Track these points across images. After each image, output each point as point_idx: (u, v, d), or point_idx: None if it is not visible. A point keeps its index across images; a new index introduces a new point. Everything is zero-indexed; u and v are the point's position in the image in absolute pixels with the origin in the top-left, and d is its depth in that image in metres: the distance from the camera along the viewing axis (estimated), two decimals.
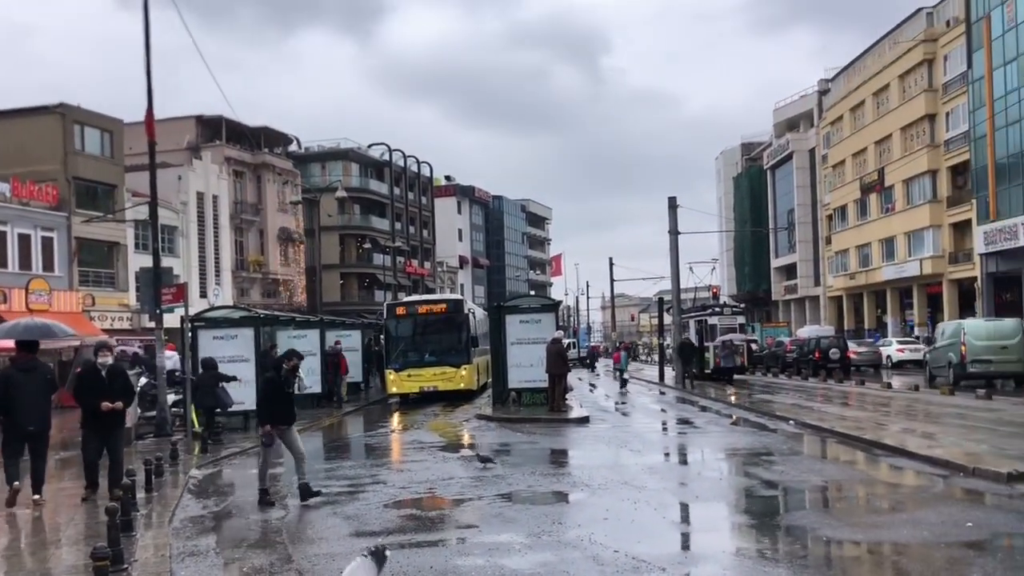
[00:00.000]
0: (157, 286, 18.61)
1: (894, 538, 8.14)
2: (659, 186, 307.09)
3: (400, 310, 28.51)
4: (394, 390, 27.33)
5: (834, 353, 35.59)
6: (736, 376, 34.36)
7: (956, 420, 17.02)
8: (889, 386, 26.81)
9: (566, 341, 28.10)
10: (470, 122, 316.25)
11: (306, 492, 10.75)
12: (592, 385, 37.45)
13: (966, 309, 47.10)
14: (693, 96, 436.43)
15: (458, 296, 33.16)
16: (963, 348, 24.64)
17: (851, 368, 35.61)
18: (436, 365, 27.09)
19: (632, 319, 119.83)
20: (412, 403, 27.06)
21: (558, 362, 21.17)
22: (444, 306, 28.74)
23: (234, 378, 18.25)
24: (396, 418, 22.73)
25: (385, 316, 28.78)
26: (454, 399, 26.73)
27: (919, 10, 52.13)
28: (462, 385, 27.02)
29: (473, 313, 29.14)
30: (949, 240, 48.28)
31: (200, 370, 17.85)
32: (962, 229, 47.13)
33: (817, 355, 35.88)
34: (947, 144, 47.92)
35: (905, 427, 16.12)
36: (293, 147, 63.67)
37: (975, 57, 43.17)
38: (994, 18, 41.31)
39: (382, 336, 29.62)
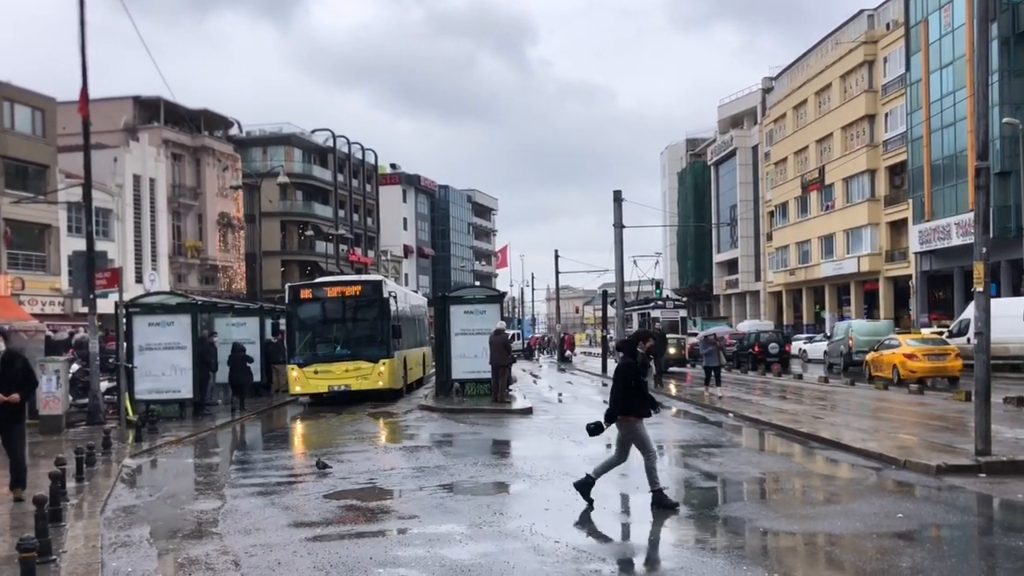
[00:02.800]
0: (91, 270, 18.11)
1: (828, 529, 8.30)
2: (596, 179, 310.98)
3: (306, 293, 23.75)
4: (297, 389, 22.87)
5: (773, 348, 36.31)
6: (676, 368, 34.56)
7: (889, 414, 17.45)
8: (826, 380, 27.38)
9: (510, 332, 27.91)
10: (400, 110, 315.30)
11: (662, 501, 9.29)
12: (535, 376, 37.58)
13: (901, 306, 48.42)
14: (623, 91, 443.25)
15: (377, 276, 28.10)
16: (851, 341, 31.68)
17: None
18: (349, 359, 22.77)
19: (576, 311, 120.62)
20: (346, 395, 23.33)
21: (502, 353, 21.17)
22: (359, 288, 23.96)
23: (251, 359, 22.19)
24: (335, 409, 22.36)
25: (287, 300, 23.72)
26: (374, 399, 23.01)
27: (861, 11, 53.25)
28: (380, 384, 22.77)
29: (395, 297, 24.45)
30: (886, 238, 49.50)
31: (231, 353, 21.58)
32: (899, 228, 48.37)
33: (757, 349, 36.54)
34: (885, 144, 49.08)
35: (840, 421, 16.45)
36: (234, 131, 62.49)
37: (913, 60, 44.29)
38: (932, 23, 42.40)
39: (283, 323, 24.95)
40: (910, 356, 25.10)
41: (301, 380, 22.73)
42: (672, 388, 26.24)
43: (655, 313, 36.10)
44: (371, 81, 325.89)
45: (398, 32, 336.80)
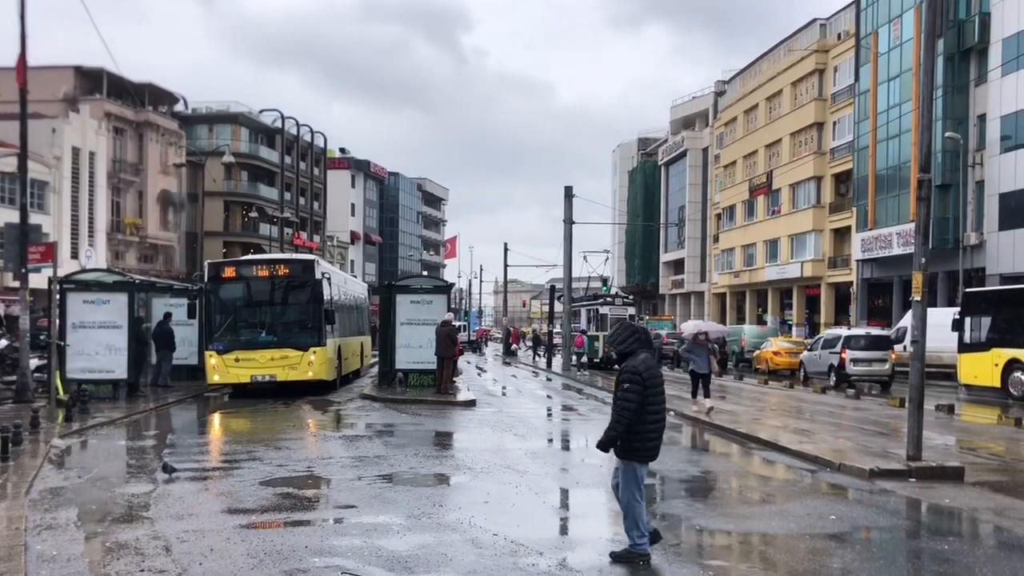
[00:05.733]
0: (23, 244, 17.56)
1: (763, 529, 8.40)
2: (537, 172, 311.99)
3: (227, 271, 21.50)
4: (216, 378, 20.84)
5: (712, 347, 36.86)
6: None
7: (826, 418, 17.80)
8: (766, 382, 27.85)
9: (457, 324, 27.74)
10: (333, 93, 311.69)
11: None
12: (480, 369, 37.53)
13: (841, 312, 49.45)
14: (560, 85, 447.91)
15: (309, 256, 25.99)
16: (743, 341, 37.75)
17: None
18: (275, 347, 20.72)
19: (524, 305, 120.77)
20: (271, 386, 21.35)
21: (447, 344, 21.07)
22: (288, 268, 21.85)
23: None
24: (274, 395, 21.93)
25: (206, 279, 21.51)
26: (303, 392, 21.19)
27: (813, 20, 54.16)
28: (310, 374, 20.86)
29: (329, 279, 22.30)
30: (829, 245, 50.47)
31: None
32: (842, 235, 49.35)
33: None
34: (833, 152, 50.02)
35: (779, 423, 16.73)
36: (179, 107, 61.23)
37: (862, 71, 45.20)
38: (881, 35, 43.31)
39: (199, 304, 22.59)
40: (776, 353, 33.32)
41: (220, 368, 20.60)
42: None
43: (603, 309, 36.18)
44: (303, 62, 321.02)
45: (329, 13, 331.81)
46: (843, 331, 29.31)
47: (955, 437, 15.07)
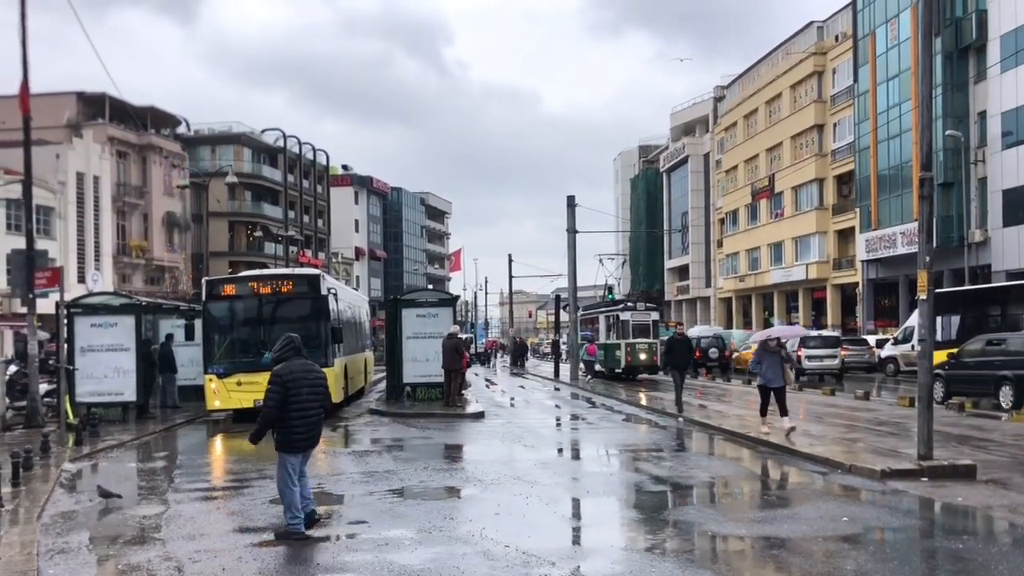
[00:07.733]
0: (30, 269, 17.64)
1: (776, 532, 8.36)
2: (530, 182, 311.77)
3: (227, 289, 19.83)
4: (216, 404, 19.31)
5: (713, 352, 36.72)
6: (645, 376, 33.29)
7: (836, 419, 17.74)
8: None
9: (464, 336, 27.62)
10: (321, 111, 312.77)
11: None
12: (489, 381, 37.49)
13: (848, 313, 49.32)
14: (547, 95, 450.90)
15: (313, 270, 24.46)
16: (732, 344, 39.83)
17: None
18: None
19: (530, 315, 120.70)
20: None
21: (454, 357, 21.07)
22: (292, 284, 20.03)
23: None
24: None
25: (204, 297, 19.83)
26: None
27: (811, 23, 54.25)
28: None
29: (335, 295, 20.82)
30: (834, 246, 50.40)
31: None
32: (846, 236, 49.29)
33: (697, 354, 36.71)
34: (834, 154, 50.00)
35: (788, 425, 16.64)
36: (182, 129, 61.55)
37: (861, 72, 45.23)
38: (879, 36, 43.36)
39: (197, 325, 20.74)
40: None
41: (221, 393, 19.16)
42: (641, 396, 26.36)
43: (624, 315, 33.73)
44: (288, 81, 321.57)
45: (309, 32, 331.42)
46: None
47: (966, 435, 15.00)
